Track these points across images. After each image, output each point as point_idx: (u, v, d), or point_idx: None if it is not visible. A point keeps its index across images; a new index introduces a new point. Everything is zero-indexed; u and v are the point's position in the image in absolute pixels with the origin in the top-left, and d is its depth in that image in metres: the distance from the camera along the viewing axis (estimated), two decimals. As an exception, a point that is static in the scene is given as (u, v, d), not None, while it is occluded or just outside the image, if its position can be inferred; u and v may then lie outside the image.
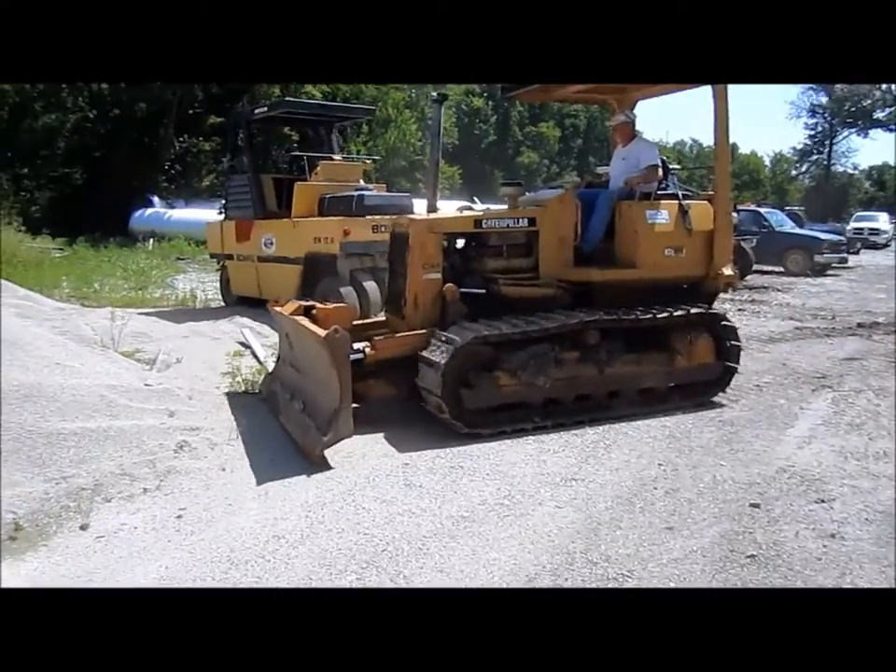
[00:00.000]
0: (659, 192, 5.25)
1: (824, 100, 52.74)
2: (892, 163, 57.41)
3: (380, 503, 3.37)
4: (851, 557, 2.86)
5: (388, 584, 2.64)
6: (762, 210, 18.65)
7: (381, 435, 4.41)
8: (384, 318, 5.44)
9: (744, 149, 58.95)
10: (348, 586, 2.63)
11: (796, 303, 11.21)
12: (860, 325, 8.81)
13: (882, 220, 30.52)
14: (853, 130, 52.23)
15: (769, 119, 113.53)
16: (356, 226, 7.58)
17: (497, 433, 4.34)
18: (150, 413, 4.33)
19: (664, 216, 5.11)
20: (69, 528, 3.13)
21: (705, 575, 2.72)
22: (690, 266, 5.21)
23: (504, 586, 2.65)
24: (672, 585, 2.65)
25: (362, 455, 4.06)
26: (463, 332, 4.35)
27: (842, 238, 19.20)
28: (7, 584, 2.63)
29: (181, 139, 24.13)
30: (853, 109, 50.86)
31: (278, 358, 5.39)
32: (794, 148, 58.11)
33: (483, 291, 4.87)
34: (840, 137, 53.70)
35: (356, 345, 4.46)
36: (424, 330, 4.62)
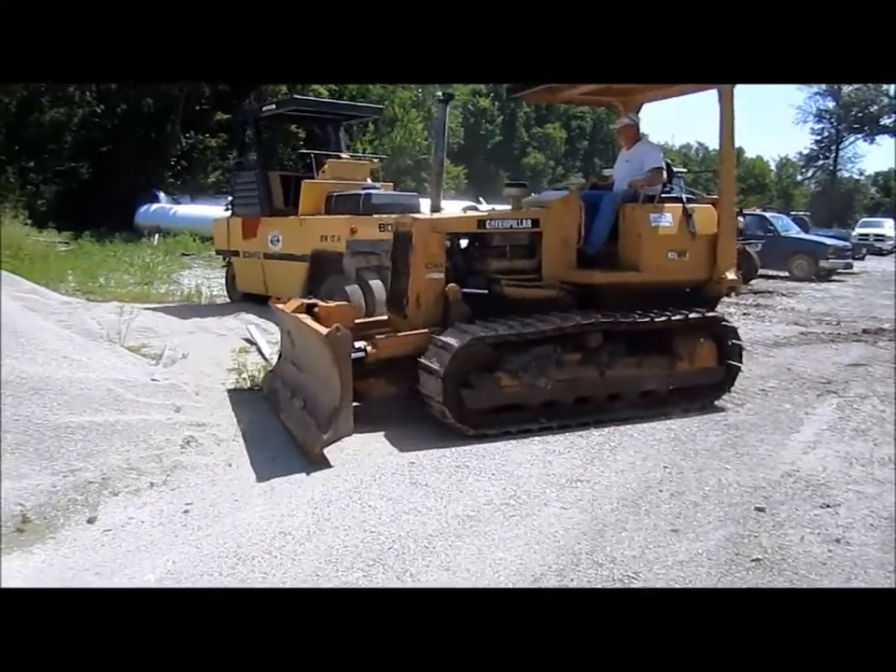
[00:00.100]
0: (663, 195, 5.24)
1: (831, 105, 52.64)
2: (898, 169, 57.34)
3: (386, 501, 3.38)
4: (856, 562, 2.86)
5: (395, 582, 2.65)
6: (767, 215, 18.61)
7: (383, 434, 4.42)
8: (386, 317, 5.44)
9: (750, 153, 58.94)
10: (355, 583, 2.64)
11: (801, 308, 11.20)
12: (865, 331, 8.81)
13: (887, 226, 30.43)
14: (859, 135, 52.13)
15: (775, 123, 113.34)
16: (362, 224, 7.60)
17: (502, 433, 4.35)
18: (157, 408, 4.34)
19: (667, 219, 5.10)
20: (76, 521, 3.14)
21: (710, 578, 2.72)
22: (693, 270, 5.20)
23: (510, 586, 2.65)
24: (677, 587, 2.65)
25: (367, 454, 4.07)
26: (459, 335, 4.35)
27: (847, 244, 19.20)
28: (13, 578, 2.64)
29: (188, 135, 24.16)
30: (860, 114, 50.74)
31: (279, 356, 5.41)
32: (800, 153, 58.01)
33: (486, 292, 4.88)
34: (846, 143, 53.59)
35: (357, 344, 4.48)
36: (426, 330, 4.63)
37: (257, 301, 8.92)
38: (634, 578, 2.71)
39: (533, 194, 5.89)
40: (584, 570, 2.77)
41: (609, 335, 4.72)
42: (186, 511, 3.26)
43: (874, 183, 60.17)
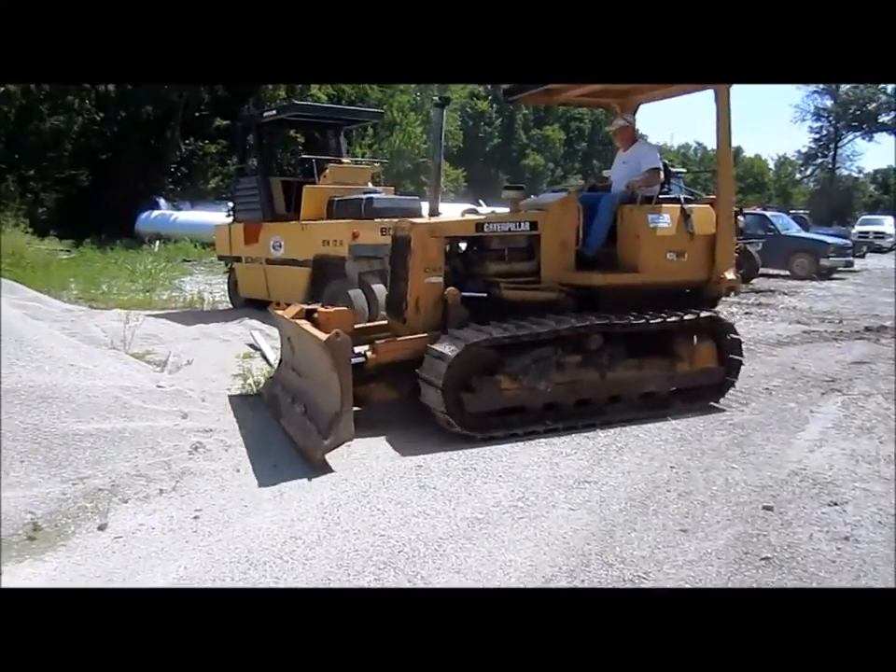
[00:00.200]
0: (661, 196, 5.24)
1: (829, 103, 52.65)
2: (897, 167, 57.36)
3: (395, 505, 3.39)
4: (865, 560, 2.87)
5: (406, 585, 2.66)
6: (768, 213, 18.64)
7: (386, 438, 4.42)
8: (385, 322, 5.44)
9: (748, 152, 59.02)
10: (367, 587, 2.64)
11: (803, 307, 11.21)
12: (867, 329, 8.81)
13: (887, 224, 30.43)
14: (858, 133, 52.15)
15: (774, 122, 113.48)
16: (364, 228, 7.61)
17: (508, 435, 4.36)
18: (164, 415, 4.36)
19: (665, 219, 5.09)
20: (87, 529, 3.15)
21: (720, 577, 2.73)
22: (692, 270, 5.19)
23: (521, 587, 2.66)
24: (688, 587, 2.66)
25: (374, 457, 4.08)
26: (453, 343, 4.34)
27: (848, 242, 19.21)
28: (27, 584, 2.66)
29: (187, 141, 24.22)
30: (858, 113, 50.76)
31: (280, 362, 5.41)
32: (799, 152, 58.03)
33: (485, 295, 4.88)
34: (845, 141, 53.61)
35: (357, 349, 4.48)
36: (425, 334, 4.63)
37: (259, 307, 8.93)
38: (644, 578, 2.72)
39: (532, 196, 5.90)
40: (595, 571, 2.78)
41: (608, 337, 4.72)
42: (196, 517, 3.27)
43: (873, 180, 60.18)
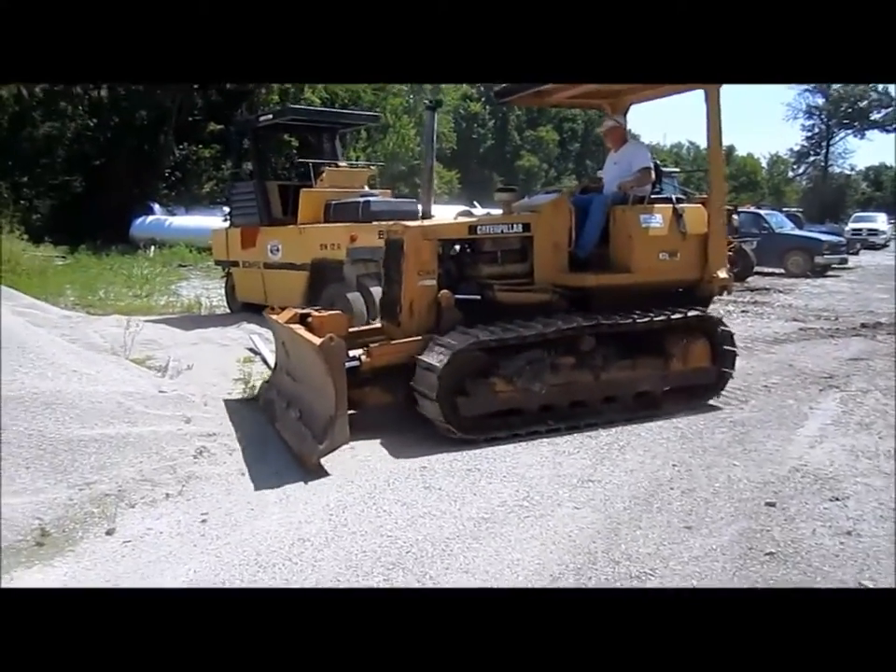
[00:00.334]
0: (653, 196, 5.26)
1: (821, 101, 52.97)
2: (889, 164, 57.80)
3: (401, 506, 3.41)
4: (868, 554, 2.90)
5: (415, 585, 2.68)
6: (762, 212, 18.75)
7: (386, 440, 4.43)
8: (379, 325, 5.43)
9: (741, 151, 59.24)
10: (376, 587, 2.66)
11: (799, 304, 11.27)
12: (863, 325, 8.86)
13: (880, 221, 30.66)
14: (850, 131, 52.51)
15: (766, 120, 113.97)
16: (362, 232, 7.62)
17: (511, 436, 4.38)
18: (167, 420, 4.37)
19: (657, 219, 5.10)
20: (95, 534, 3.16)
21: (726, 572, 2.76)
22: (684, 270, 5.21)
23: (529, 586, 2.68)
24: (694, 583, 2.69)
25: (379, 459, 4.10)
26: (440, 353, 4.32)
27: (841, 239, 19.32)
28: (35, 586, 2.67)
29: (181, 146, 24.20)
30: (850, 110, 51.09)
31: (275, 366, 5.41)
32: (791, 150, 58.42)
33: (479, 297, 4.89)
34: (837, 138, 53.99)
35: (352, 353, 4.49)
36: (419, 337, 4.63)
37: (257, 311, 8.92)
38: (650, 574, 2.75)
39: (525, 197, 5.92)
40: (601, 568, 2.80)
41: (600, 338, 4.72)
42: (203, 521, 3.29)
43: (865, 178, 60.57)
